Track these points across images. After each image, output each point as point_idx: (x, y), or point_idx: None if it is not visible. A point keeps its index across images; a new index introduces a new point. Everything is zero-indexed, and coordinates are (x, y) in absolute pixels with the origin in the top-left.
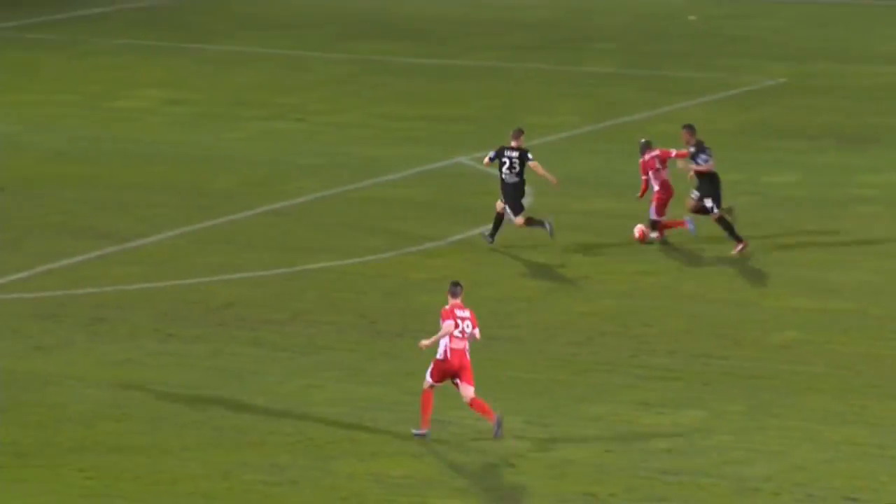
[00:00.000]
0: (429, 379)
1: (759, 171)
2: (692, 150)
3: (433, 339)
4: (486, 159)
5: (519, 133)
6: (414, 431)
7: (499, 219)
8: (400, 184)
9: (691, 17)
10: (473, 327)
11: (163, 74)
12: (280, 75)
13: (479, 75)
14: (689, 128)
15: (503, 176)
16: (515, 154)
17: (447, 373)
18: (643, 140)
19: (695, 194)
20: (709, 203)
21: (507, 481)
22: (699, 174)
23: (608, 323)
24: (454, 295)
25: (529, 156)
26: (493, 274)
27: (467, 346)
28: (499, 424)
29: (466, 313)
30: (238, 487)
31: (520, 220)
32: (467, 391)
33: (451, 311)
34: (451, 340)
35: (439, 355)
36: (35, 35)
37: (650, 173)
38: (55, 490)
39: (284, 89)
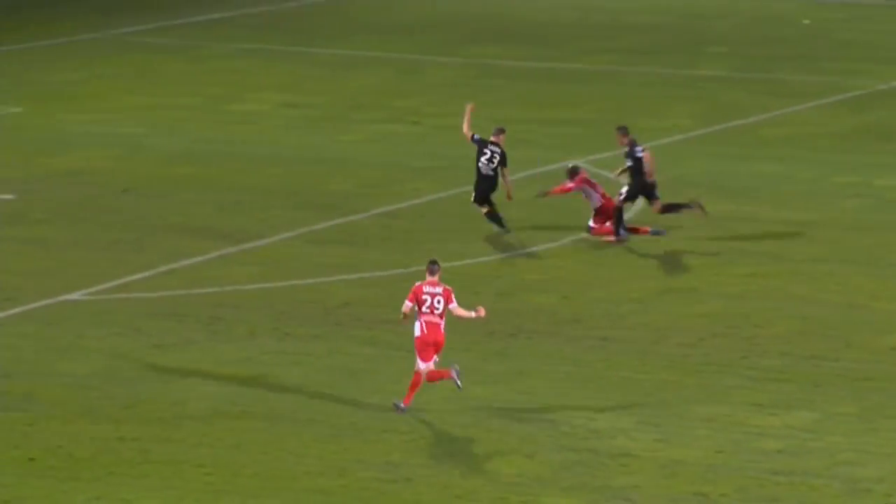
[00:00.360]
0: (419, 363)
1: (872, 173)
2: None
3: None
4: (469, 135)
5: (499, 131)
6: (395, 402)
7: (494, 214)
8: (515, 186)
9: (805, 21)
10: (448, 303)
11: (281, 78)
12: (396, 79)
13: (592, 79)
14: (622, 129)
15: (480, 166)
16: (498, 150)
17: (428, 346)
18: (571, 164)
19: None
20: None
21: (619, 481)
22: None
23: (719, 324)
24: (431, 273)
25: (506, 162)
26: (605, 275)
27: (442, 322)
28: (458, 374)
29: (438, 289)
30: (354, 485)
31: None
32: (426, 366)
33: (420, 287)
34: (423, 316)
35: (416, 332)
36: (157, 39)
37: (584, 192)
38: (176, 486)
39: (400, 93)
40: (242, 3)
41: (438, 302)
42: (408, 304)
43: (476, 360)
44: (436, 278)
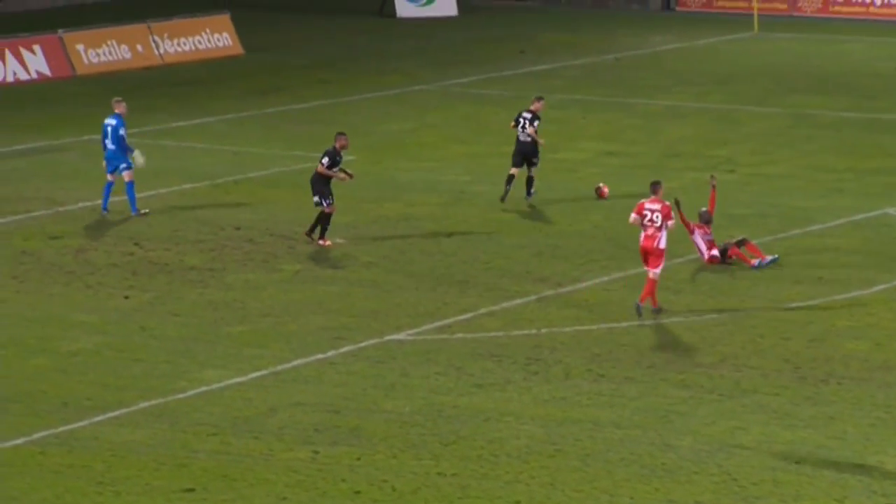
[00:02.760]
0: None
1: None
2: None
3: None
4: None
5: (537, 99)
6: (636, 303)
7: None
8: (827, 233)
9: None
10: (665, 219)
11: (601, 128)
12: (713, 128)
13: None
14: None
15: (518, 134)
16: (528, 115)
17: (646, 253)
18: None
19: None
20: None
21: None
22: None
23: None
24: (653, 192)
25: (534, 122)
26: None
27: (660, 234)
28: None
29: (657, 206)
30: None
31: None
32: (652, 273)
33: (642, 204)
34: (644, 229)
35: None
36: (484, 90)
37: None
38: None
39: (716, 142)
40: (564, 56)
41: (656, 217)
42: (634, 217)
43: (787, 404)
44: (657, 196)
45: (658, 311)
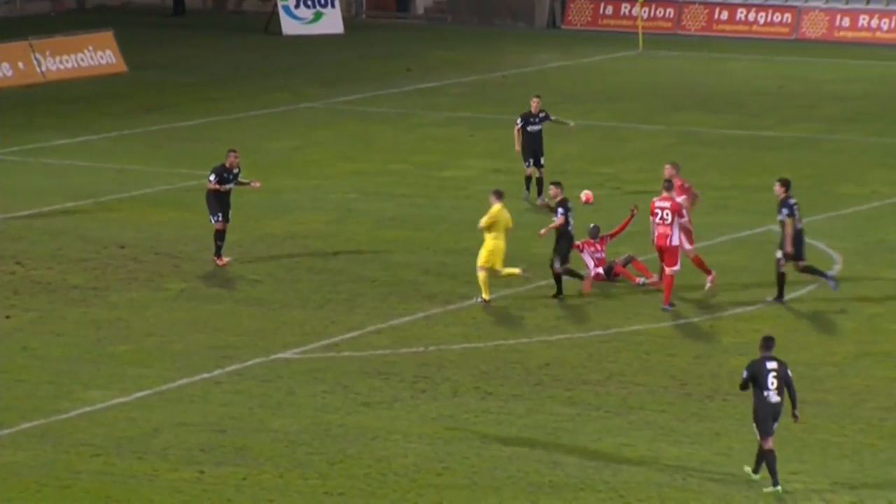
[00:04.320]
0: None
1: None
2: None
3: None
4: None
5: (536, 97)
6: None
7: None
8: (712, 250)
9: None
10: (675, 215)
11: (488, 145)
12: (599, 146)
13: (792, 146)
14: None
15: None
16: (542, 114)
17: (658, 250)
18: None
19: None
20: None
21: None
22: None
23: None
24: (665, 189)
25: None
26: (803, 339)
27: (670, 231)
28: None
29: (667, 204)
30: None
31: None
32: (669, 270)
33: (654, 203)
34: (655, 227)
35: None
36: (371, 108)
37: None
38: None
39: (602, 159)
40: (450, 74)
41: (667, 214)
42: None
43: (673, 420)
44: (669, 195)
45: (670, 307)
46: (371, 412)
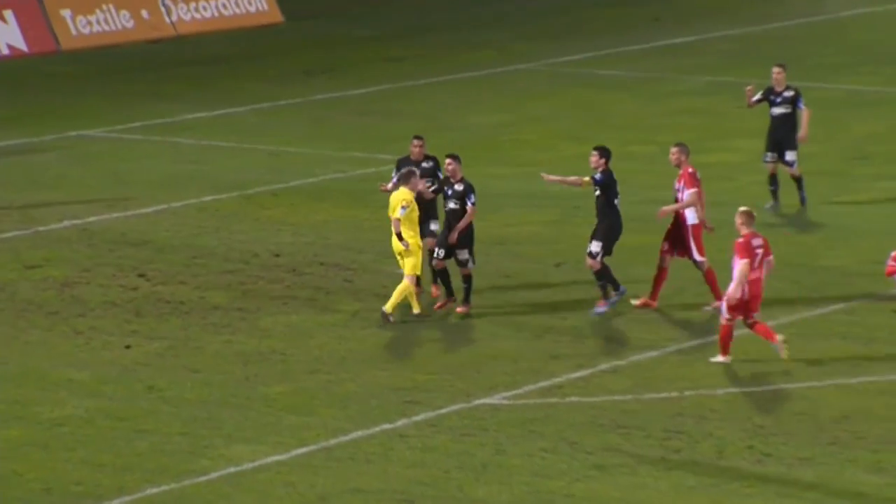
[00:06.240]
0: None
1: None
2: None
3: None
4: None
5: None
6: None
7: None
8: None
9: None
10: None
11: (761, 121)
12: None
13: None
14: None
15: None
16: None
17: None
18: None
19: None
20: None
21: None
22: None
23: None
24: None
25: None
26: None
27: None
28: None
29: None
30: None
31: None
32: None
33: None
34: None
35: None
36: (605, 71)
37: None
38: None
39: None
40: (712, 25)
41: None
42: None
43: None
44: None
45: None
46: (607, 478)
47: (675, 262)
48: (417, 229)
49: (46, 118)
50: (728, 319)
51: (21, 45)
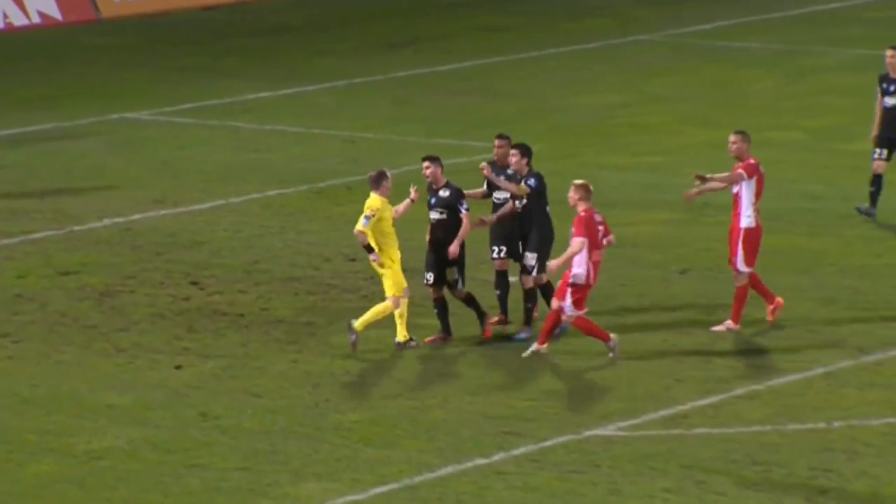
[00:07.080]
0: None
1: None
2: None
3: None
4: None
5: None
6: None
7: None
8: None
9: None
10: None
11: None
12: None
13: None
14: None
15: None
16: None
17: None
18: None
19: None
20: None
21: None
22: None
23: None
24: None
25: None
26: None
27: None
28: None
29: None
30: None
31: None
32: None
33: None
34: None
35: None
36: (739, 42)
37: None
38: None
39: None
40: None
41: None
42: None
43: None
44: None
45: None
46: None
47: (823, 271)
48: (396, 241)
49: (83, 98)
50: (574, 316)
51: (55, 12)
